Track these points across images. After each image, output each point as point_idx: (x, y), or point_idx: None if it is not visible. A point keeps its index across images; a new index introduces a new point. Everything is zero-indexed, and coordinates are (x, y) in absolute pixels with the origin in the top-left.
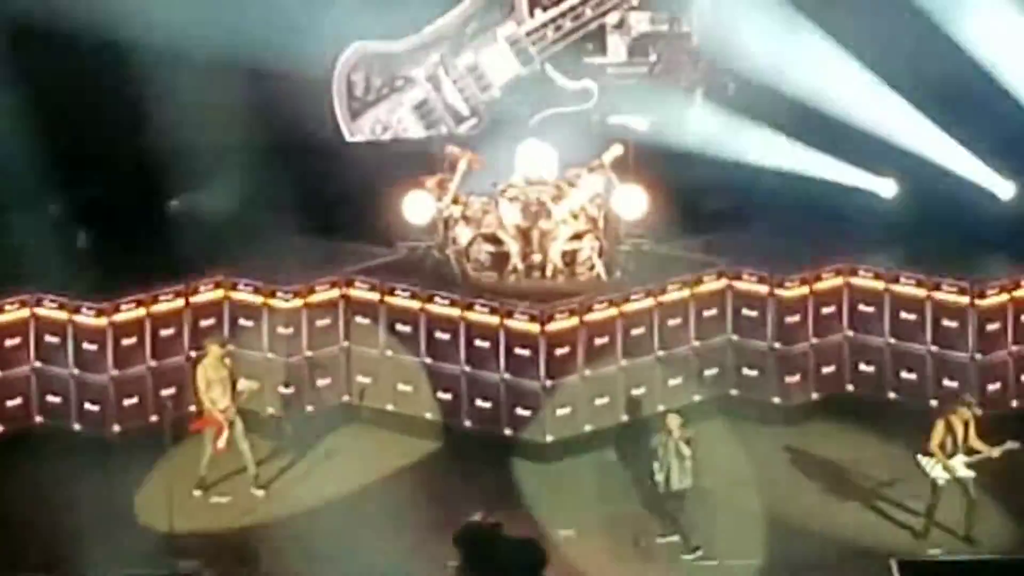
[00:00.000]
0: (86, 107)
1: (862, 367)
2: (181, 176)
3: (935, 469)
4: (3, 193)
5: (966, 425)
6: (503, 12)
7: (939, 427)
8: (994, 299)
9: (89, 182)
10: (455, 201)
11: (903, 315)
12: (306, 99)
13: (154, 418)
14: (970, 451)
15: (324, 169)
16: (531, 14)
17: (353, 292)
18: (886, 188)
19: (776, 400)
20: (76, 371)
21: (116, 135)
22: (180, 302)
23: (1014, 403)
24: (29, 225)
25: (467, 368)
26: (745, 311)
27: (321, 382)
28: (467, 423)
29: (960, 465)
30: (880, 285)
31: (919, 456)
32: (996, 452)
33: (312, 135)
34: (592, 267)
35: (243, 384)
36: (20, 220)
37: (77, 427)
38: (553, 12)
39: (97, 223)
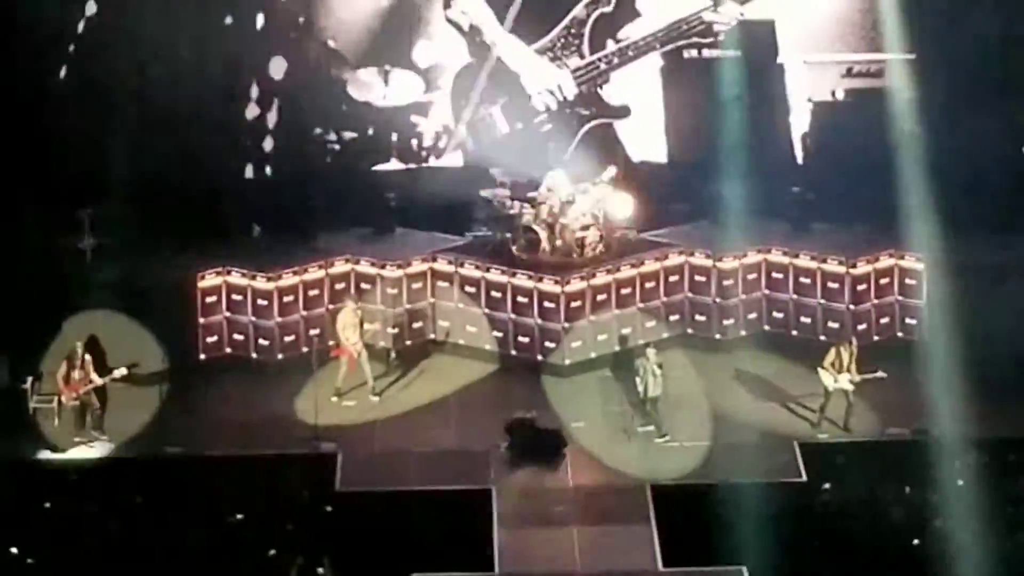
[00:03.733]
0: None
1: (775, 314)
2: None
3: (827, 379)
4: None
5: (851, 356)
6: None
7: (832, 352)
8: (863, 269)
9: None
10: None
11: (802, 279)
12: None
13: (305, 350)
14: (852, 372)
15: (420, 185)
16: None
17: (437, 265)
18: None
19: (717, 336)
20: (253, 318)
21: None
22: (321, 272)
23: (876, 337)
24: (222, 222)
25: (513, 316)
26: (696, 277)
27: (416, 325)
28: (513, 352)
29: (844, 381)
30: (786, 260)
31: (819, 369)
32: (870, 377)
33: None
34: (596, 248)
35: (368, 327)
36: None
37: (254, 355)
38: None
39: (264, 222)
